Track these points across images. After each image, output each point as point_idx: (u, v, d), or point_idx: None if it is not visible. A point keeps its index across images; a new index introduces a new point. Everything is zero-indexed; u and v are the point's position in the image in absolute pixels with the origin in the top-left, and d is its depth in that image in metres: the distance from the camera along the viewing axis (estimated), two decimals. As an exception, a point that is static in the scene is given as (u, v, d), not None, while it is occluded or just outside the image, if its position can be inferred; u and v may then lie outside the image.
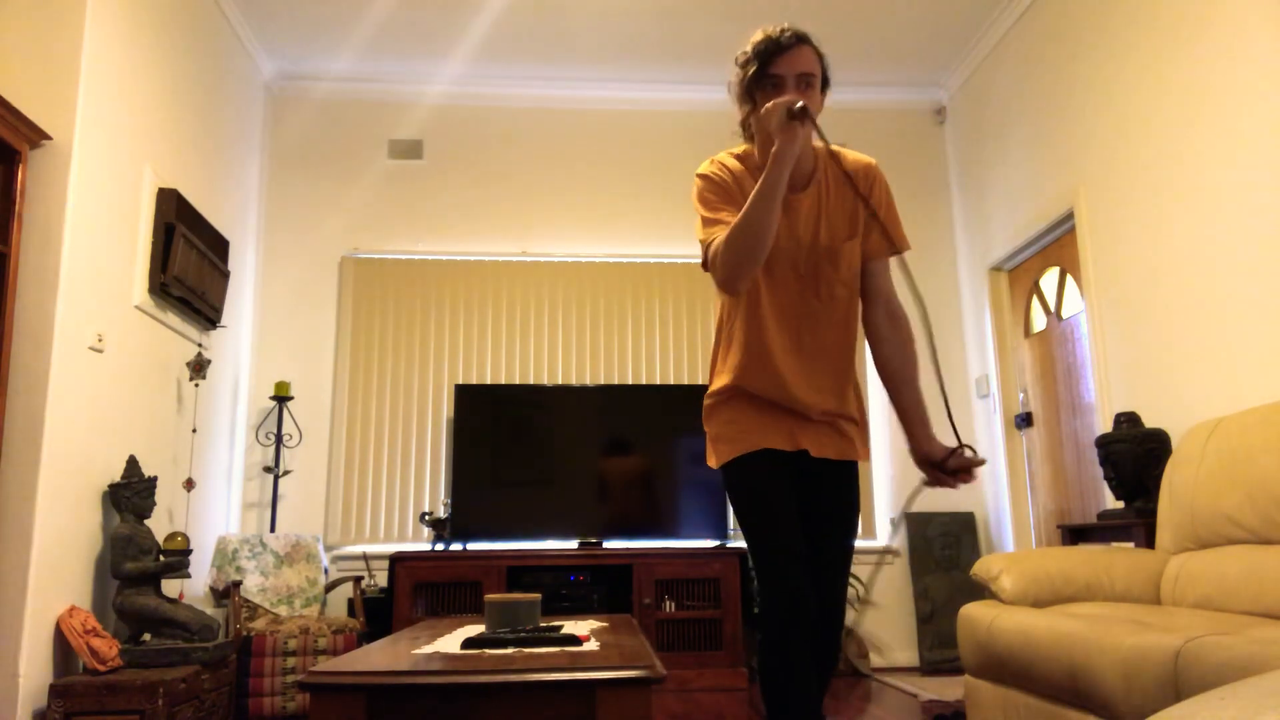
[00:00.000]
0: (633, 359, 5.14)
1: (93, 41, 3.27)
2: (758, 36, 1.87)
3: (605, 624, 2.64)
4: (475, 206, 5.24)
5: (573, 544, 4.60)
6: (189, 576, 3.57)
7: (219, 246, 4.28)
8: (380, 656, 1.90)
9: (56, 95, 3.16)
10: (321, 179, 5.20)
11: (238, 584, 3.84)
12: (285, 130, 5.23)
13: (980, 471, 5.42)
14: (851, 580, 4.22)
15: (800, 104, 1.73)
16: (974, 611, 2.78)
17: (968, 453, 1.88)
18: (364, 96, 5.28)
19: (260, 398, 4.88)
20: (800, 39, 1.85)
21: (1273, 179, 2.94)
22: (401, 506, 4.87)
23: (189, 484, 3.98)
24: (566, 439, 4.73)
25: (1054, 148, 4.28)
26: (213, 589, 4.01)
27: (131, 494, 3.32)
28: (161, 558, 3.32)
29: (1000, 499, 4.87)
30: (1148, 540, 3.11)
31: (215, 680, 3.27)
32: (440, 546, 4.54)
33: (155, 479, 3.43)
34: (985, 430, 5.03)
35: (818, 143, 1.88)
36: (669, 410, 4.80)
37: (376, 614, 4.26)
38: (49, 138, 3.11)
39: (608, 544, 4.58)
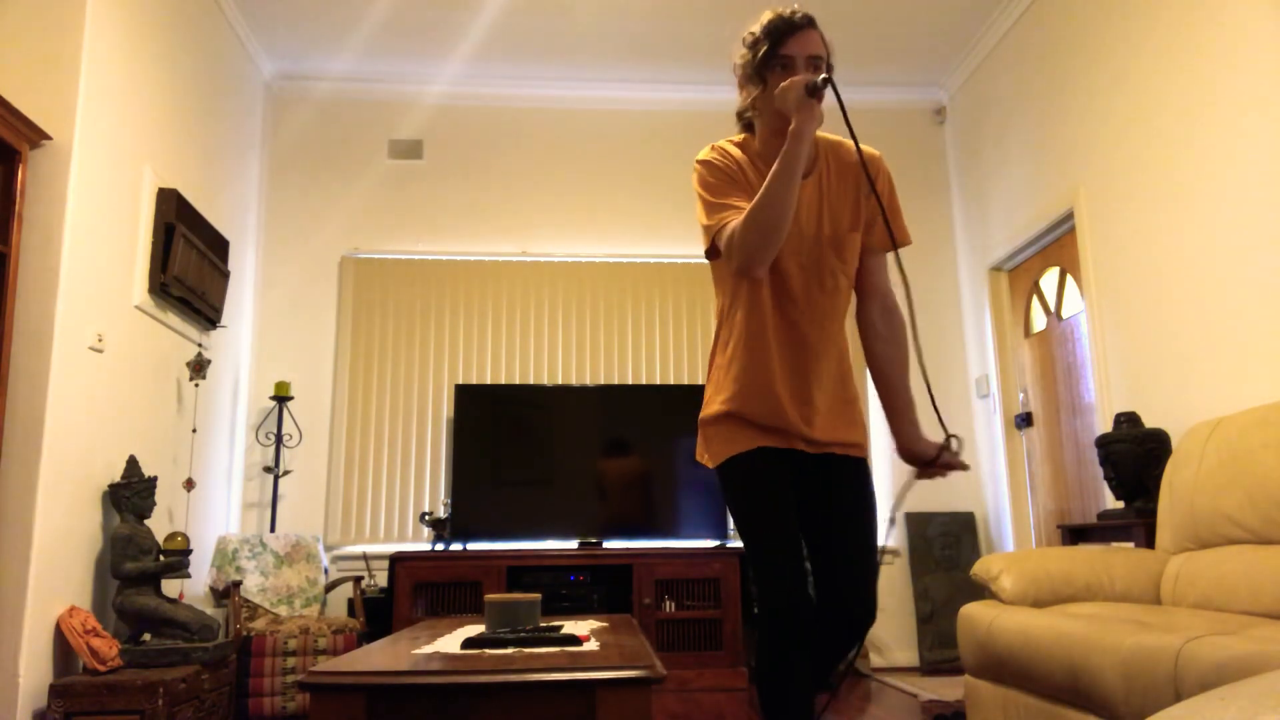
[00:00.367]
0: (632, 359, 5.14)
1: (93, 41, 3.27)
2: (767, 16, 1.85)
3: (605, 624, 2.64)
4: (475, 206, 5.24)
5: (573, 544, 4.60)
6: (189, 576, 3.57)
7: (219, 246, 4.28)
8: (380, 656, 1.90)
9: (56, 95, 3.16)
10: (321, 179, 5.20)
11: (238, 584, 3.84)
12: (285, 130, 5.23)
13: (980, 471, 5.39)
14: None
15: (824, 75, 1.72)
16: (974, 611, 2.78)
17: (954, 444, 1.86)
18: (364, 96, 5.29)
19: (260, 398, 4.88)
20: (811, 21, 1.84)
21: (1273, 179, 2.94)
22: (401, 506, 4.87)
23: (189, 484, 3.98)
24: (566, 439, 4.73)
25: (1054, 148, 4.28)
26: (213, 589, 4.01)
27: (131, 494, 3.32)
28: (161, 558, 3.32)
29: (1000, 499, 4.87)
30: (1148, 540, 3.11)
31: (215, 680, 3.27)
32: (440, 546, 4.54)
33: (155, 479, 3.43)
34: (985, 430, 5.04)
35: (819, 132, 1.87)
36: (669, 410, 4.80)
37: (376, 614, 4.27)
38: (49, 138, 3.11)
39: (608, 544, 4.58)
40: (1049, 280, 4.55)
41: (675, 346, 5.16)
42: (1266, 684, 0.62)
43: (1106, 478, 3.41)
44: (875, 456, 5.11)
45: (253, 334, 4.97)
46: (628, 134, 5.39)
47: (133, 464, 3.40)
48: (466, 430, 4.69)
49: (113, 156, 3.43)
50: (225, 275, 4.29)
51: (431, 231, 5.20)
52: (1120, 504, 3.55)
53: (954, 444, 1.87)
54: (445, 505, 4.72)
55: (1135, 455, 3.28)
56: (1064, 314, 4.39)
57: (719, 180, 1.88)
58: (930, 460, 1.89)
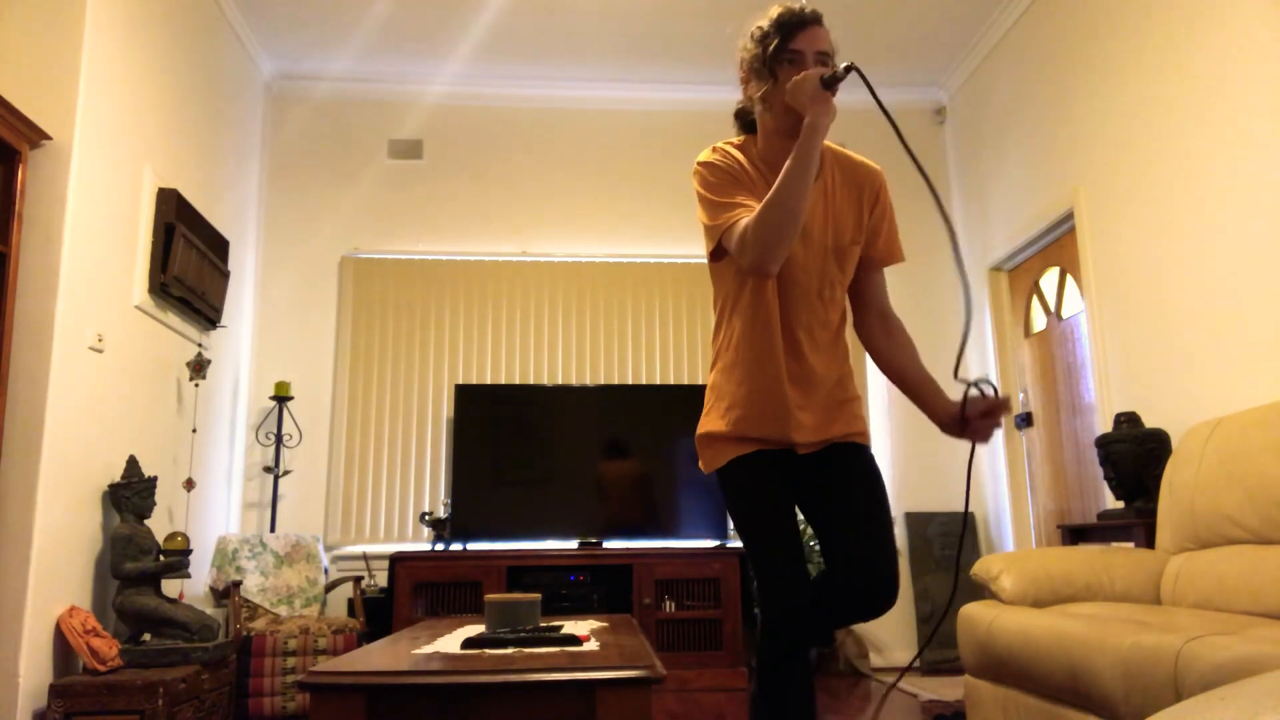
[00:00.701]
0: (632, 359, 5.14)
1: (93, 41, 3.27)
2: (776, 10, 1.84)
3: (605, 624, 2.64)
4: (475, 206, 5.24)
5: (573, 544, 4.60)
6: (189, 576, 3.57)
7: (219, 246, 4.28)
8: (380, 656, 1.90)
9: (56, 95, 3.16)
10: (321, 179, 5.20)
11: (238, 584, 3.84)
12: (285, 130, 5.23)
13: (981, 471, 5.36)
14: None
15: (846, 65, 1.70)
16: (974, 611, 2.78)
17: (986, 389, 1.80)
18: (364, 96, 5.28)
19: (260, 398, 4.88)
20: (819, 18, 1.83)
21: (1273, 179, 2.94)
22: (401, 506, 4.87)
23: (189, 484, 3.98)
24: (566, 439, 4.73)
25: (1054, 148, 4.28)
26: (213, 589, 4.01)
27: (131, 494, 3.32)
28: (161, 558, 3.32)
29: (1000, 499, 4.87)
30: (1148, 540, 3.11)
31: (215, 680, 3.27)
32: (440, 546, 4.54)
33: (155, 479, 3.43)
34: (985, 430, 5.03)
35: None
36: (669, 410, 4.80)
37: (376, 614, 4.27)
38: (49, 138, 3.11)
39: (608, 544, 4.58)
40: (1049, 280, 4.55)
41: (675, 346, 5.16)
42: (1266, 684, 0.62)
43: (1106, 478, 3.41)
44: (876, 456, 5.11)
45: (253, 334, 4.97)
46: (628, 134, 5.39)
47: (133, 464, 3.40)
48: (466, 430, 4.69)
49: (113, 156, 3.43)
50: (225, 275, 4.29)
51: (431, 231, 5.20)
52: (1120, 504, 3.55)
53: (985, 389, 1.80)
54: (445, 505, 4.72)
55: (1135, 455, 3.28)
56: (1064, 314, 4.39)
57: (722, 180, 1.86)
58: (966, 416, 1.82)
